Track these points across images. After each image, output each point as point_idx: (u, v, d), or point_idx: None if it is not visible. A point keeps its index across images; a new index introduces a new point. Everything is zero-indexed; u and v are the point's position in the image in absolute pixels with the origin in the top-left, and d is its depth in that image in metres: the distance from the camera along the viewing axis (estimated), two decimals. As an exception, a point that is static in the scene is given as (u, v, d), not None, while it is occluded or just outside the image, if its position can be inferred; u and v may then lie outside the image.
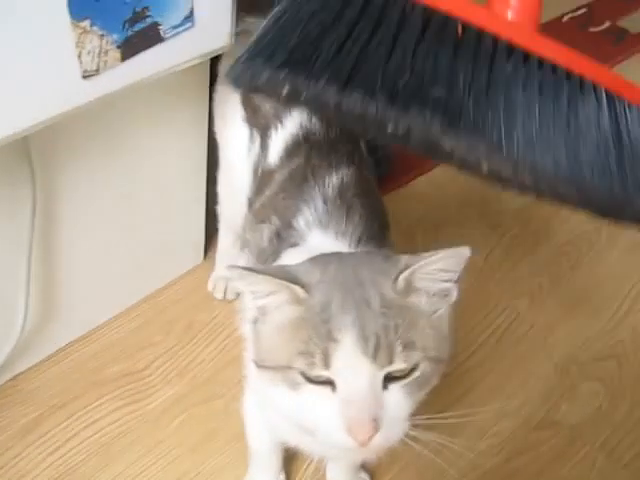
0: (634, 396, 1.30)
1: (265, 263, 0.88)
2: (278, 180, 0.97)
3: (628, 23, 2.30)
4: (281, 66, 0.67)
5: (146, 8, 0.84)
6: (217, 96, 1.17)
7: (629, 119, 0.73)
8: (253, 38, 0.72)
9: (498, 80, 0.67)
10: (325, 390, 0.66)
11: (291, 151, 0.98)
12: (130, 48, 0.86)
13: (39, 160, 0.99)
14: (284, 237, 0.89)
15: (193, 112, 1.18)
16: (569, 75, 0.70)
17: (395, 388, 0.66)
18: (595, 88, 0.71)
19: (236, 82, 0.73)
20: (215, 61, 1.12)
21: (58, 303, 1.21)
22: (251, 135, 1.05)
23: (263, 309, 0.70)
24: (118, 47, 0.84)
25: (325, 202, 0.90)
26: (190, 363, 1.28)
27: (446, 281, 0.70)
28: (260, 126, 1.03)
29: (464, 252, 0.68)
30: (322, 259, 0.74)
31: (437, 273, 0.68)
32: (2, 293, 1.10)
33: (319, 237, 0.86)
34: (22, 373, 1.24)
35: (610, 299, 1.48)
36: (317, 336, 0.65)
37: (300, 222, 0.88)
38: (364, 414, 0.64)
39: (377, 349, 0.64)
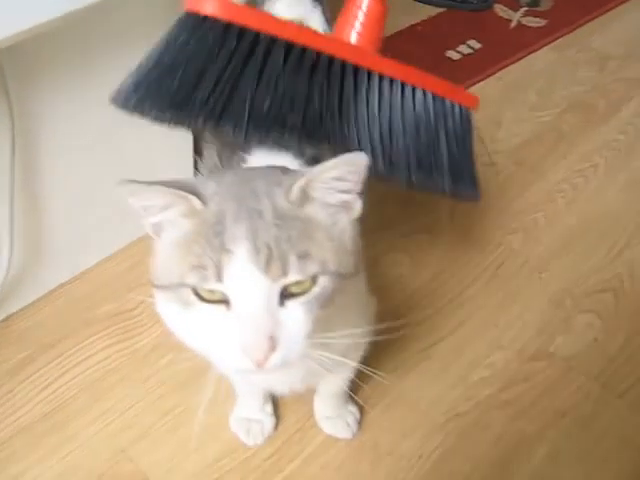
0: (630, 328, 1.29)
1: None
2: None
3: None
4: (163, 109, 0.77)
5: None
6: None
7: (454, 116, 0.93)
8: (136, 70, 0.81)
9: (347, 96, 0.83)
10: (219, 309, 0.63)
11: None
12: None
13: (17, 94, 0.98)
14: (225, 157, 0.87)
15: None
16: (403, 85, 0.88)
17: (293, 305, 0.63)
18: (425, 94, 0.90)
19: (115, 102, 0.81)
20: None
21: (45, 244, 1.21)
22: None
23: (158, 225, 0.68)
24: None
25: None
26: (180, 302, 1.28)
27: (344, 192, 0.67)
28: None
29: (360, 159, 0.65)
30: (220, 173, 0.72)
31: (333, 182, 0.66)
32: (-15, 235, 1.10)
33: (261, 156, 0.83)
34: (14, 314, 1.25)
35: (607, 234, 1.46)
36: (210, 248, 0.62)
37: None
38: (259, 332, 0.61)
39: (269, 260, 0.61)
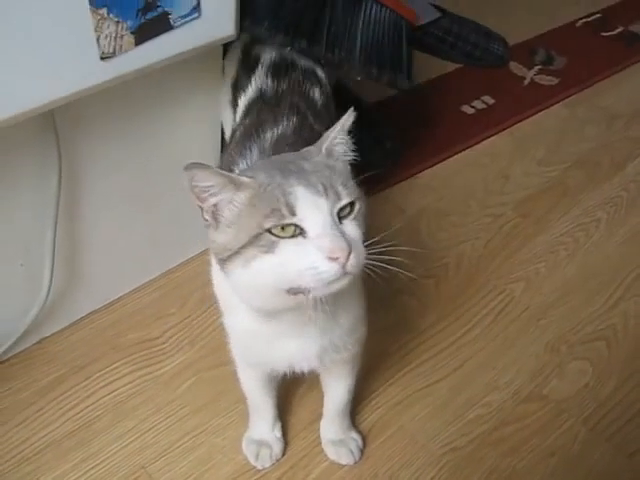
0: (620, 376, 1.37)
1: None
2: (236, 137, 1.11)
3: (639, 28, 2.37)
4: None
5: (157, -1, 0.95)
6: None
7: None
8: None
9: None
10: (298, 240, 0.76)
11: (248, 110, 1.14)
12: (143, 34, 0.97)
13: (65, 135, 1.10)
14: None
15: (207, 96, 1.28)
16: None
17: (347, 222, 0.78)
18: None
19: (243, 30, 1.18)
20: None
21: (81, 273, 1.32)
22: (234, 116, 1.20)
23: (217, 206, 0.80)
24: (132, 33, 0.95)
25: (261, 152, 1.02)
26: (201, 333, 1.39)
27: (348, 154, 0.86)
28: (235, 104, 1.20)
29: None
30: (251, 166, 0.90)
31: (344, 142, 0.85)
32: (29, 261, 1.21)
33: None
34: (47, 337, 1.35)
35: (604, 287, 1.55)
36: (276, 197, 0.76)
37: (236, 172, 0.98)
38: (337, 238, 0.74)
39: (326, 189, 0.77)
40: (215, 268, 0.96)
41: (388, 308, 1.44)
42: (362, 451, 1.21)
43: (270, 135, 1.05)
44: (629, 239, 1.66)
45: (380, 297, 1.38)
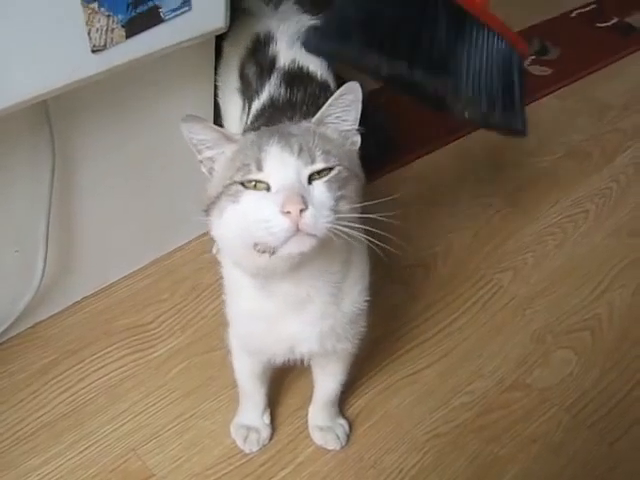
0: (604, 366, 1.40)
1: None
2: None
3: (635, 20, 2.38)
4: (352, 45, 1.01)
5: (147, -8, 0.97)
6: (221, 69, 1.30)
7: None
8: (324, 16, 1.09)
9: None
10: (261, 193, 0.80)
11: (259, 114, 1.13)
12: (133, 27, 0.99)
13: (58, 126, 1.12)
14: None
15: (200, 85, 1.31)
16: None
17: (318, 183, 0.81)
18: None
19: (307, 47, 1.08)
20: (220, 38, 1.25)
21: (74, 260, 1.35)
22: (243, 105, 1.19)
23: (212, 159, 0.87)
24: (123, 26, 0.97)
25: None
26: (193, 319, 1.41)
27: (345, 121, 0.88)
28: (248, 98, 1.18)
29: (354, 86, 0.85)
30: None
31: (339, 112, 0.87)
32: (23, 248, 1.24)
33: None
34: (42, 322, 1.38)
35: (590, 277, 1.57)
36: (251, 152, 0.82)
37: None
38: (293, 193, 0.77)
39: (300, 151, 0.80)
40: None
41: (376, 295, 1.45)
42: (348, 436, 1.24)
43: None
44: (616, 231, 1.68)
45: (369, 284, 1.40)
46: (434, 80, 1.04)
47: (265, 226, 0.77)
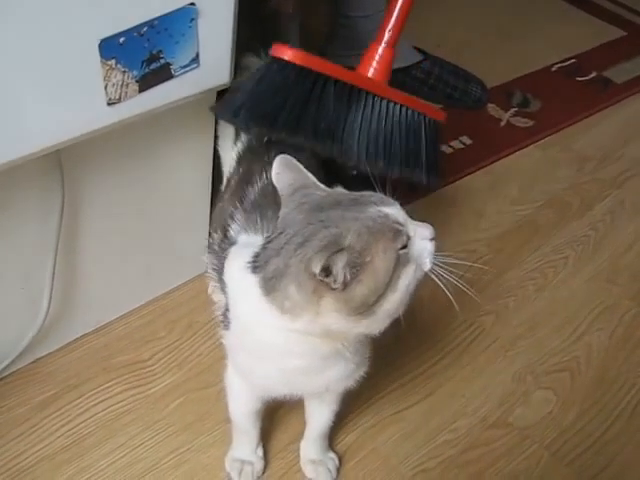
0: (582, 405, 1.46)
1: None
2: (231, 186, 1.22)
3: (612, 74, 2.49)
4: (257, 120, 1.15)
5: (160, 51, 1.05)
6: (222, 121, 1.37)
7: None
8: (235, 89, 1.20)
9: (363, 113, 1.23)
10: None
11: (239, 161, 1.24)
12: (146, 82, 1.06)
13: (69, 169, 1.18)
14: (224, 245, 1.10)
15: (201, 134, 1.37)
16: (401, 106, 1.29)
17: None
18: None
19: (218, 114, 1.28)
20: (221, 93, 1.32)
21: (76, 298, 1.40)
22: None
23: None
24: (137, 81, 1.05)
25: (245, 210, 1.10)
26: (189, 356, 1.46)
27: None
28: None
29: None
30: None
31: None
32: (29, 286, 1.29)
33: (244, 239, 1.07)
34: (42, 357, 1.42)
35: (569, 321, 1.64)
36: (388, 226, 0.89)
37: (231, 232, 1.09)
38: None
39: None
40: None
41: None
42: (338, 470, 1.29)
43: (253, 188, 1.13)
44: (594, 276, 1.76)
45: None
46: (321, 145, 1.19)
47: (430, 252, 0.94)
